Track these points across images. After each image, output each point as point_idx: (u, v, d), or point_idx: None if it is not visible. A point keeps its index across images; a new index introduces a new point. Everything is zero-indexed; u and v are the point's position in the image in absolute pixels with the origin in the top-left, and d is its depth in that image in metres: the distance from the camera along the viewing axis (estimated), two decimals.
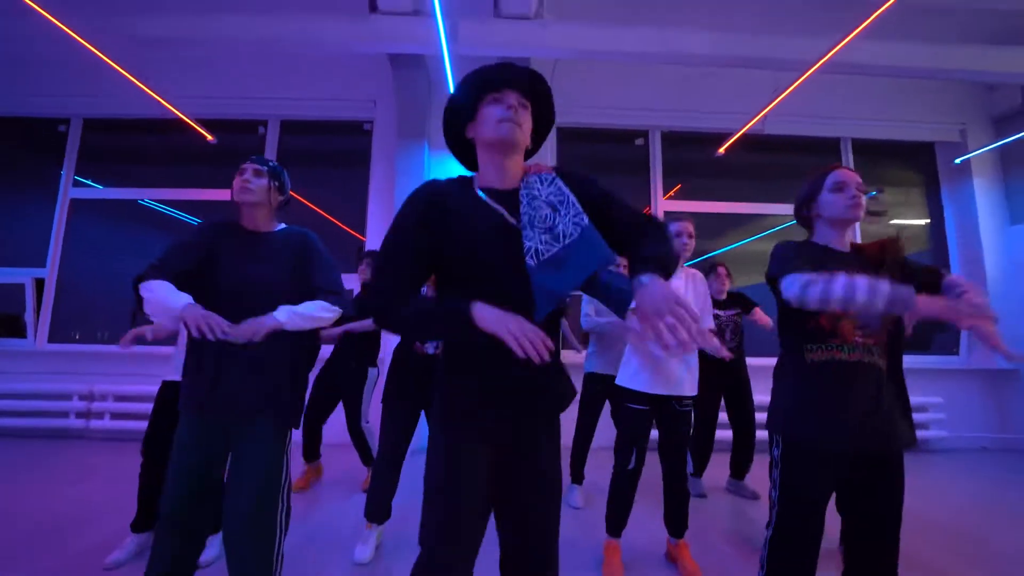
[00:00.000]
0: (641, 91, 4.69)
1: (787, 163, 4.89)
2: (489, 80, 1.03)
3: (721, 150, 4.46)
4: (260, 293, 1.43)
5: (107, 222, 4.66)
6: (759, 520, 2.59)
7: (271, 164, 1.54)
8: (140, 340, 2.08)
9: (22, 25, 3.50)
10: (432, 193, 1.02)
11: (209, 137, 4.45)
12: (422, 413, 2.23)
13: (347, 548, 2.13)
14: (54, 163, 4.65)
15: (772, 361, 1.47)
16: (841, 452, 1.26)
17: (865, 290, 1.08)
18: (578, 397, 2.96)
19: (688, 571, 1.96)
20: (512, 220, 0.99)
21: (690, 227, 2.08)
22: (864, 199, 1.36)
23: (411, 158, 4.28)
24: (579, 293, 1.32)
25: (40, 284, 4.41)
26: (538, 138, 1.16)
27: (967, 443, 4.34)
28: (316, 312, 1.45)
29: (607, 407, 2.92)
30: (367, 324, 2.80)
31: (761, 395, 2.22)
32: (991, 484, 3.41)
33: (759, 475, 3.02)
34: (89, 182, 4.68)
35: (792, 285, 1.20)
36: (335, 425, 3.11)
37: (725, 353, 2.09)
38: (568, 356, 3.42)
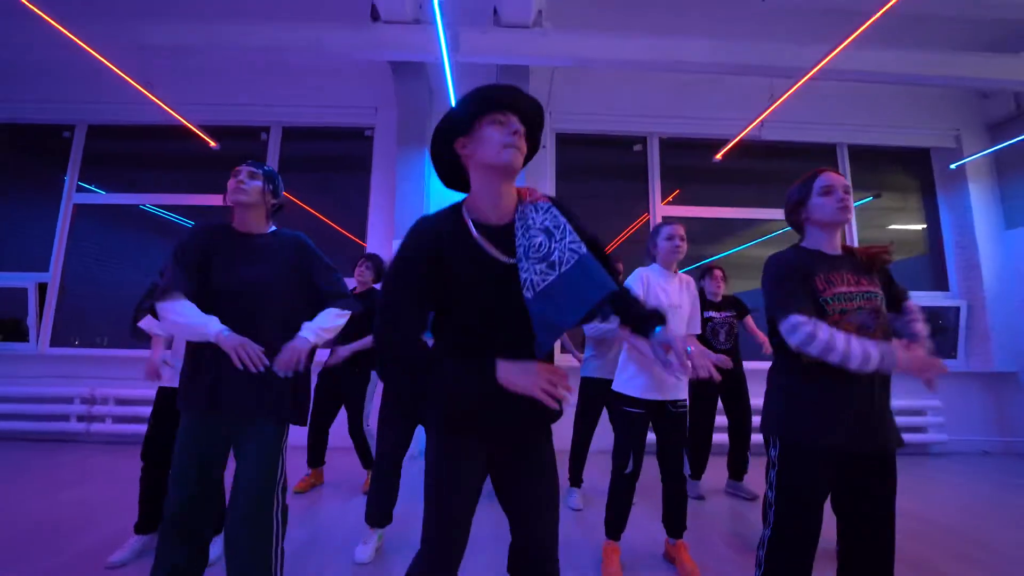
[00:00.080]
0: (639, 98, 4.75)
1: (784, 169, 4.94)
2: (493, 99, 1.01)
3: (718, 156, 4.50)
4: (258, 294, 1.45)
5: (110, 227, 4.70)
6: (757, 521, 2.60)
7: (266, 168, 1.58)
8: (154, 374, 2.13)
9: (28, 32, 3.57)
10: (429, 239, 1.00)
11: (212, 143, 4.49)
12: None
13: (348, 549, 2.15)
14: (58, 169, 4.70)
15: (767, 364, 1.49)
16: (838, 451, 1.28)
17: (857, 359, 1.19)
18: (576, 401, 2.97)
19: (687, 571, 1.97)
20: (510, 260, 0.99)
21: (682, 230, 2.11)
22: (851, 202, 1.39)
23: (411, 164, 4.32)
24: None
25: (43, 288, 4.44)
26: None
27: (967, 447, 4.35)
28: (333, 322, 1.54)
29: (606, 410, 2.93)
30: (368, 342, 2.87)
31: (757, 398, 2.25)
32: (992, 487, 3.41)
33: (758, 476, 3.04)
34: (93, 188, 4.72)
35: (792, 335, 1.27)
36: (335, 428, 3.13)
37: (716, 375, 2.08)
38: (566, 359, 3.44)
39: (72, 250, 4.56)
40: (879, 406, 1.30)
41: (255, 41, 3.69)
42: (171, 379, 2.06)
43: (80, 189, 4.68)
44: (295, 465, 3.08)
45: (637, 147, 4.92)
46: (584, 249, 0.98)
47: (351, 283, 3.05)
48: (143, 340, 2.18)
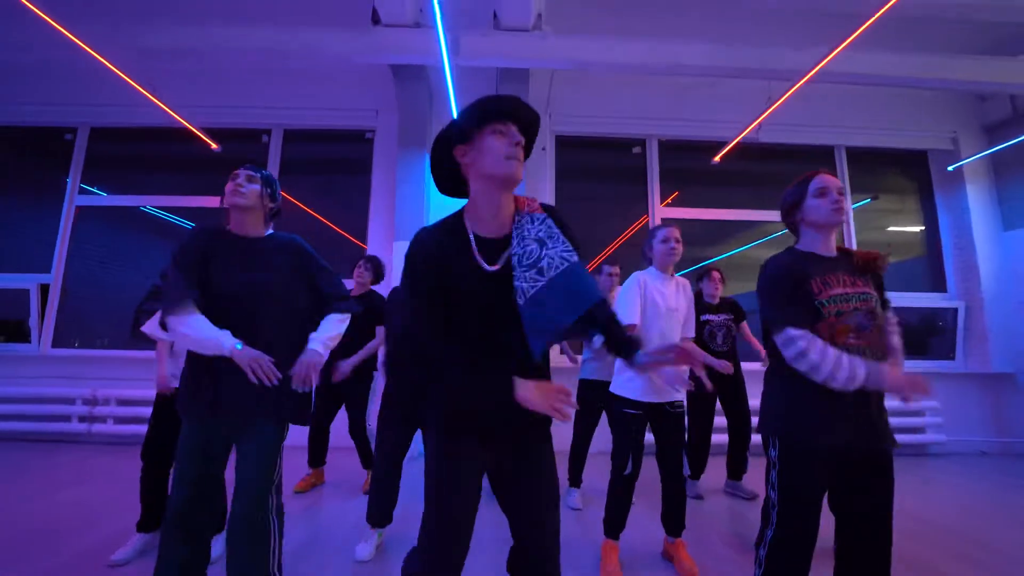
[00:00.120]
0: (638, 100, 4.78)
1: (782, 171, 4.97)
2: (495, 110, 1.03)
3: (717, 158, 4.53)
4: (257, 296, 1.46)
5: (112, 229, 4.72)
6: (756, 521, 2.59)
7: (264, 172, 1.60)
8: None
9: (31, 35, 3.59)
10: (429, 254, 1.03)
11: (214, 146, 4.52)
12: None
13: (348, 547, 2.16)
14: (61, 171, 4.72)
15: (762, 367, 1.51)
16: (837, 449, 1.29)
17: (842, 380, 1.23)
18: (576, 399, 2.99)
19: (685, 569, 1.99)
20: (502, 269, 1.03)
21: (677, 232, 2.12)
22: (845, 204, 1.41)
23: (412, 167, 4.34)
24: None
25: (45, 290, 4.46)
26: None
27: (965, 447, 4.36)
28: (337, 329, 1.59)
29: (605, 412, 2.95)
30: (373, 347, 2.93)
31: (756, 399, 2.27)
32: (991, 487, 3.43)
33: (756, 476, 3.05)
34: (95, 190, 4.75)
35: (785, 349, 1.32)
36: (335, 428, 3.15)
37: (707, 383, 2.10)
38: (562, 361, 3.45)
39: (74, 252, 4.58)
40: (875, 407, 1.32)
41: (257, 44, 3.73)
42: (173, 380, 2.08)
43: (82, 191, 4.71)
44: (296, 465, 3.11)
45: (636, 149, 4.95)
46: (575, 258, 1.01)
47: (349, 284, 3.08)
48: (145, 342, 2.20)
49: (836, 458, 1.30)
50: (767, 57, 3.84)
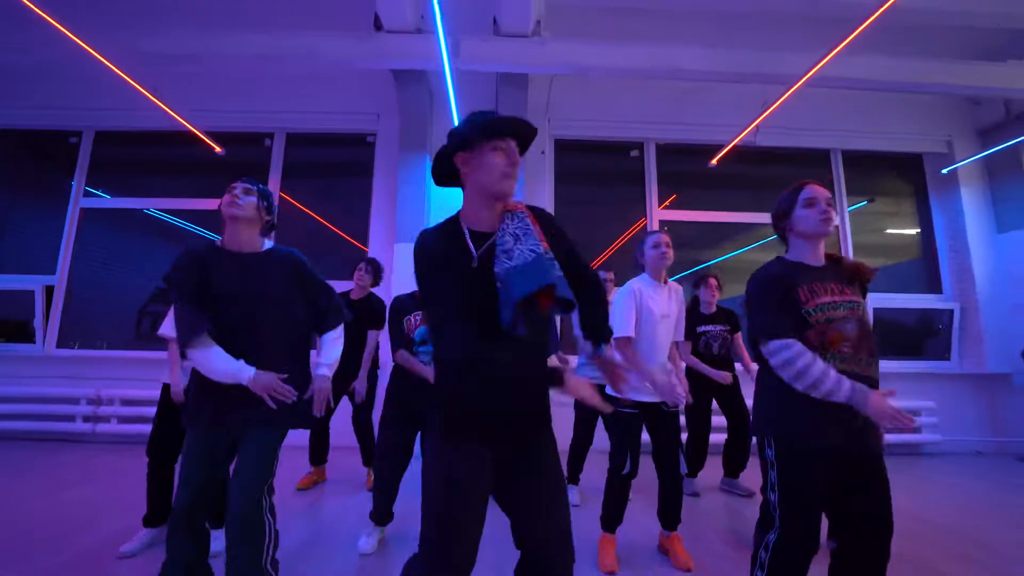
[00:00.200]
0: (636, 104, 4.84)
1: (779, 174, 5.03)
2: (498, 129, 1.11)
3: (714, 161, 4.59)
4: (258, 307, 1.52)
5: (116, 232, 4.78)
6: (753, 518, 2.63)
7: (260, 185, 1.64)
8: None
9: (38, 40, 3.66)
10: (432, 248, 1.13)
11: (217, 149, 4.59)
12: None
13: (351, 542, 2.21)
14: (66, 174, 4.78)
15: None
16: (831, 451, 1.30)
17: (823, 391, 1.26)
18: (573, 404, 3.02)
19: (680, 561, 2.03)
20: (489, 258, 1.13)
21: (667, 238, 2.15)
22: (833, 214, 1.44)
23: (413, 169, 4.40)
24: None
25: (49, 291, 4.51)
26: None
27: (961, 447, 4.40)
28: (338, 350, 1.69)
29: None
30: (372, 349, 3.04)
31: (750, 399, 2.30)
32: (987, 487, 3.46)
33: (753, 474, 3.09)
34: (100, 193, 4.81)
35: (772, 358, 1.35)
36: (336, 427, 3.18)
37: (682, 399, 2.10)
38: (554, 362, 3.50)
39: (78, 254, 4.64)
40: (862, 418, 1.30)
41: (261, 50, 3.79)
42: (184, 375, 2.13)
43: (87, 194, 4.77)
44: (297, 464, 3.15)
45: (634, 153, 5.01)
46: (541, 249, 1.08)
47: (349, 285, 3.14)
48: (155, 342, 2.24)
49: (832, 459, 1.31)
50: (764, 62, 3.90)
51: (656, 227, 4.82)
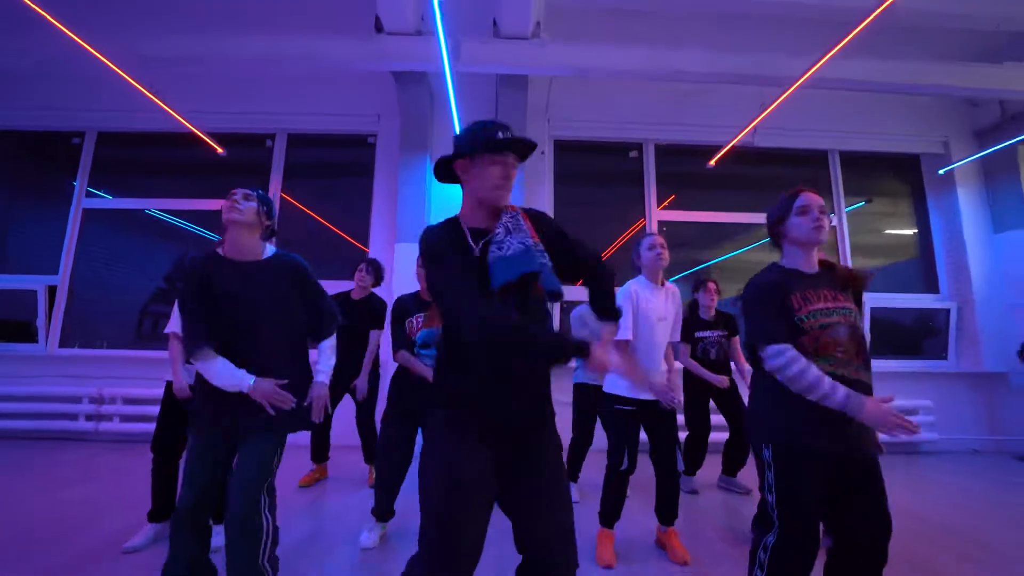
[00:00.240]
0: (635, 106, 4.87)
1: (777, 175, 5.06)
2: (500, 143, 1.15)
3: (712, 162, 4.62)
4: (258, 314, 1.56)
5: (117, 232, 4.81)
6: (750, 515, 2.66)
7: (259, 191, 1.67)
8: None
9: (40, 42, 3.69)
10: (439, 241, 1.17)
11: (219, 150, 4.61)
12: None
13: (353, 537, 2.24)
14: (68, 174, 4.82)
15: None
16: (827, 452, 1.31)
17: (817, 394, 1.28)
18: (572, 403, 3.04)
19: (677, 555, 2.06)
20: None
21: (661, 239, 2.19)
22: (827, 222, 1.45)
23: (413, 170, 4.43)
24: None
25: (52, 291, 4.54)
26: None
27: (958, 445, 4.42)
28: (333, 356, 1.75)
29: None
30: (374, 348, 3.08)
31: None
32: (984, 485, 3.48)
33: (751, 472, 3.11)
34: (102, 193, 4.84)
35: (768, 362, 1.38)
36: (337, 426, 3.22)
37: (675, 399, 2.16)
38: None
39: (81, 254, 4.67)
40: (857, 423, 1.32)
41: (262, 51, 3.82)
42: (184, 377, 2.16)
43: (89, 195, 4.80)
44: (299, 462, 3.17)
45: (633, 154, 5.04)
46: (530, 242, 1.15)
47: (349, 285, 3.18)
48: (154, 341, 2.27)
49: (828, 460, 1.32)
50: (762, 64, 3.94)
51: (655, 227, 4.85)
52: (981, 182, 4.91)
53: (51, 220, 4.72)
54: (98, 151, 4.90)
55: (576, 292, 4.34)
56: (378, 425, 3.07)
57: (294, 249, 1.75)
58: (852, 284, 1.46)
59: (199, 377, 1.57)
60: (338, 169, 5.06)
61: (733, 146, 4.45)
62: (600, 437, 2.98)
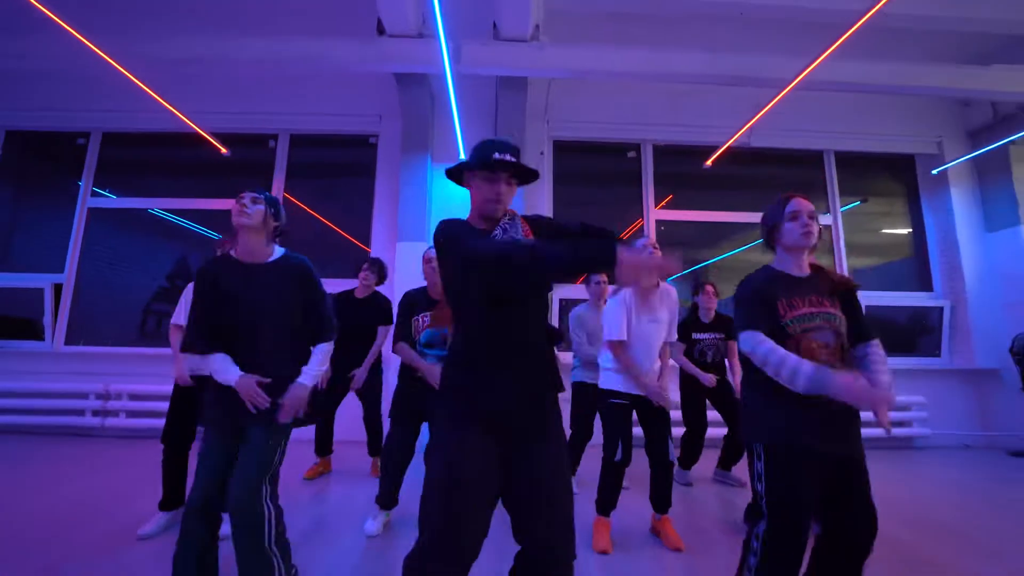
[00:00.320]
0: (633, 106, 4.94)
1: (774, 175, 5.14)
2: (490, 163, 1.24)
3: (708, 162, 4.69)
4: (261, 315, 1.62)
5: (123, 231, 4.88)
6: (743, 506, 2.74)
7: (267, 194, 1.73)
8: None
9: (47, 43, 3.77)
10: (455, 224, 1.28)
11: (223, 150, 4.68)
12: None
13: (357, 526, 2.31)
14: (73, 175, 4.88)
15: None
16: (815, 449, 1.36)
17: (786, 375, 1.34)
18: (571, 400, 3.10)
19: (671, 542, 2.14)
20: None
21: (654, 240, 2.27)
22: (816, 226, 1.49)
23: (414, 170, 4.50)
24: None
25: (58, 289, 4.61)
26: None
27: (950, 441, 4.50)
28: (325, 361, 1.74)
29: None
30: (379, 345, 3.14)
31: None
32: (975, 479, 3.54)
33: (744, 464, 3.16)
34: (107, 193, 4.91)
35: (742, 345, 1.47)
36: (340, 422, 3.30)
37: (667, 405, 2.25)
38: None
39: (86, 253, 4.74)
40: (845, 415, 1.38)
41: (266, 53, 3.89)
42: (193, 370, 2.23)
43: (94, 194, 4.86)
44: (303, 456, 3.24)
45: (631, 154, 5.11)
46: (521, 239, 1.24)
47: (351, 284, 3.25)
48: (158, 339, 2.34)
49: (826, 461, 1.37)
50: (758, 66, 4.00)
51: (653, 227, 4.92)
52: (974, 182, 4.99)
53: (57, 219, 4.79)
54: (103, 151, 4.96)
55: (574, 291, 4.44)
56: (384, 421, 3.17)
57: (296, 248, 1.80)
58: (838, 288, 1.50)
59: (211, 382, 1.65)
60: (340, 169, 5.13)
61: (729, 146, 4.52)
62: (599, 432, 3.07)
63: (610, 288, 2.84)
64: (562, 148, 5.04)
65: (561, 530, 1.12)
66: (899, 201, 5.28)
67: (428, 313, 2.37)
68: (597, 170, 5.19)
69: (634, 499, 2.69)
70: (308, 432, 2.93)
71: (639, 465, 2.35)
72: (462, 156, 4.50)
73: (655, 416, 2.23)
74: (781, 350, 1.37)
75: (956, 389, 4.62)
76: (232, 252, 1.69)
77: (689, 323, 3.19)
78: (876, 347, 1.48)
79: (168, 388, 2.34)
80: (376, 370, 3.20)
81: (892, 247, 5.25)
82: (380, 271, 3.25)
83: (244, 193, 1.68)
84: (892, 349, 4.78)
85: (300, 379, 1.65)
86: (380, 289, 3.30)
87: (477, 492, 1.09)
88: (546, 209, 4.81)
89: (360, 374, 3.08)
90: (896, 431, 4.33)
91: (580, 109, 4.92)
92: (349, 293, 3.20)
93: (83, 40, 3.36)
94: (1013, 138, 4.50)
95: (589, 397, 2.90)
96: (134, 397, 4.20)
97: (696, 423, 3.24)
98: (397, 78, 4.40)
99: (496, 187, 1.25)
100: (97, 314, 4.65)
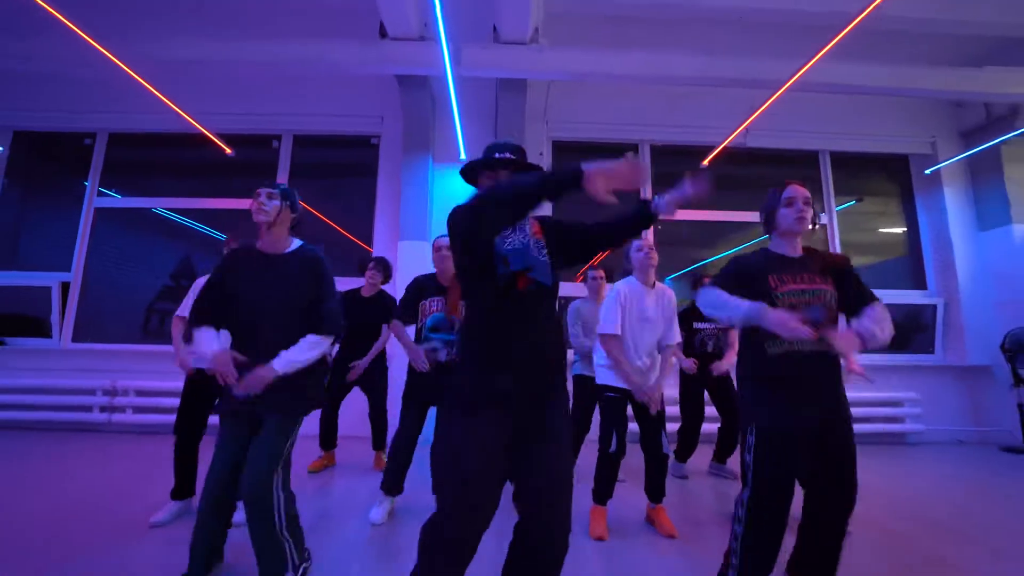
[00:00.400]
0: (631, 108, 5.01)
1: (770, 174, 5.20)
2: (490, 162, 1.37)
3: (705, 162, 4.77)
4: (270, 304, 1.69)
5: (129, 231, 4.96)
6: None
7: (281, 187, 1.79)
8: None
9: (53, 45, 3.84)
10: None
11: (227, 150, 4.76)
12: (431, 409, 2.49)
13: (362, 514, 2.39)
14: (80, 175, 4.96)
15: None
16: (802, 426, 1.47)
17: (726, 317, 1.53)
18: (572, 394, 3.18)
19: (665, 529, 2.21)
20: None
21: (649, 240, 2.34)
22: (810, 212, 1.59)
23: (416, 170, 4.57)
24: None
25: (65, 287, 4.68)
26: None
27: (943, 436, 4.57)
28: (306, 354, 1.68)
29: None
30: (383, 342, 3.21)
31: None
32: (968, 473, 3.59)
33: (738, 457, 3.22)
34: (113, 192, 4.98)
35: (700, 296, 1.62)
36: (343, 418, 3.37)
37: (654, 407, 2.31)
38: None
39: (93, 251, 4.82)
40: (830, 392, 1.51)
41: (271, 56, 3.97)
42: (196, 363, 2.31)
43: (100, 194, 4.94)
44: (307, 450, 3.32)
45: (629, 154, 5.13)
46: (530, 241, 1.34)
47: (359, 282, 3.32)
48: (162, 337, 2.41)
49: (804, 430, 1.47)
50: (755, 68, 4.07)
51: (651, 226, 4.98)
52: (967, 181, 5.06)
53: (64, 219, 4.87)
54: (109, 151, 5.04)
55: (572, 289, 4.51)
56: (389, 415, 3.25)
57: None
58: (828, 265, 1.59)
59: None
60: (342, 169, 5.21)
61: (725, 147, 4.60)
62: (595, 429, 3.14)
63: (607, 286, 2.91)
64: (561, 149, 5.12)
65: (559, 520, 1.19)
66: (893, 201, 5.35)
67: (437, 298, 2.42)
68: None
69: (630, 491, 2.77)
70: (313, 426, 3.01)
71: (636, 460, 2.42)
72: (463, 156, 4.59)
73: (649, 411, 2.30)
74: (727, 295, 1.52)
75: (949, 385, 4.69)
76: (257, 244, 1.77)
77: (690, 313, 3.26)
78: (874, 306, 1.54)
79: (174, 384, 2.43)
80: (382, 366, 3.28)
81: (887, 246, 5.32)
82: (386, 270, 3.32)
83: (260, 190, 1.75)
84: (887, 346, 4.88)
85: (273, 361, 1.62)
86: (384, 288, 3.37)
87: (490, 464, 1.17)
88: (545, 208, 4.87)
89: (360, 365, 3.13)
90: (890, 427, 4.41)
91: (579, 110, 5.00)
92: (355, 292, 3.27)
93: (90, 41, 3.43)
94: (1005, 138, 4.58)
95: (589, 390, 2.97)
96: (141, 393, 4.27)
97: (694, 416, 3.32)
98: (399, 80, 4.48)
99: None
100: (104, 312, 4.73)
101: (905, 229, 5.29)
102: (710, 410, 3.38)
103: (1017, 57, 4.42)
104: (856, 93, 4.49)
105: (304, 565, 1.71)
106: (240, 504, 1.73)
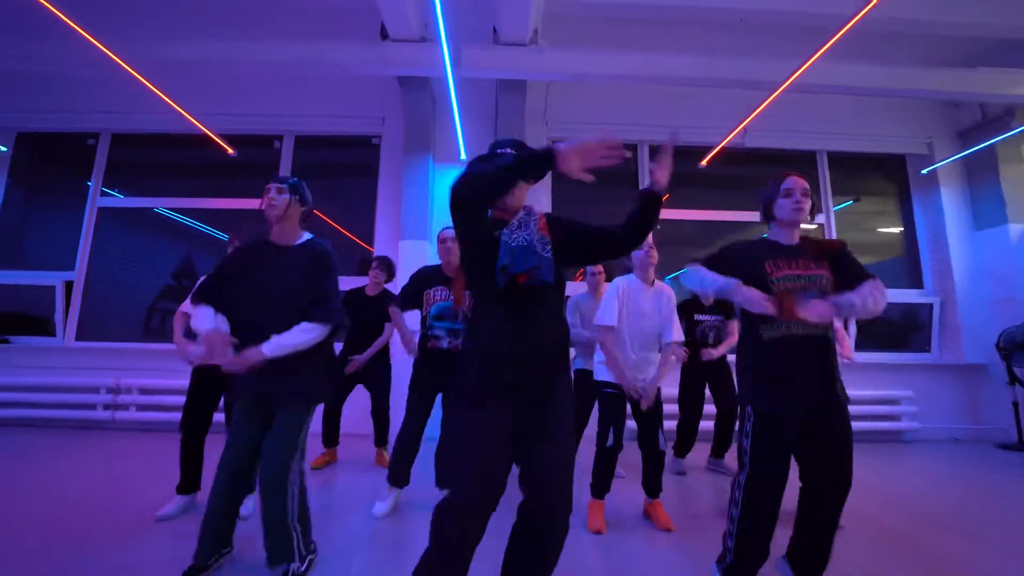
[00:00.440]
0: (630, 108, 5.05)
1: (767, 174, 5.20)
2: (488, 157, 1.42)
3: (703, 162, 4.80)
4: (275, 295, 1.72)
5: (131, 231, 5.00)
6: None
7: (290, 180, 1.82)
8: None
9: (55, 45, 3.87)
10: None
11: (230, 151, 4.79)
12: (438, 397, 2.52)
13: (364, 509, 2.42)
14: (83, 175, 5.00)
15: None
16: (797, 408, 1.52)
17: (710, 290, 1.64)
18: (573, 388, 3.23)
19: (662, 523, 2.25)
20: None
21: (649, 239, 2.35)
22: (807, 203, 1.63)
23: (416, 170, 4.61)
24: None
25: (69, 286, 4.72)
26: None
27: (939, 434, 4.61)
28: (297, 338, 1.67)
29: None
30: (385, 338, 3.24)
31: None
32: (964, 471, 3.61)
33: (735, 454, 3.25)
34: (115, 193, 5.02)
35: (685, 274, 1.73)
36: (345, 416, 3.41)
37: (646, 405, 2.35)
38: None
39: (96, 251, 4.85)
40: (823, 374, 1.55)
41: (273, 57, 4.01)
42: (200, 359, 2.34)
43: (103, 194, 4.98)
44: (310, 447, 3.35)
45: (628, 154, 5.19)
46: (534, 239, 1.35)
47: (364, 280, 3.35)
48: (164, 336, 2.44)
49: (798, 414, 1.53)
50: (754, 69, 4.10)
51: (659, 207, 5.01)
52: (963, 181, 5.10)
53: (67, 219, 4.91)
54: (112, 152, 5.08)
55: (572, 288, 4.55)
56: (392, 412, 3.28)
57: None
58: (824, 250, 1.64)
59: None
60: (344, 169, 5.24)
61: (724, 147, 4.63)
62: (592, 426, 3.17)
63: (606, 284, 2.95)
64: None
65: (560, 503, 1.24)
66: (890, 200, 5.39)
67: (441, 287, 2.44)
68: (595, 170, 5.27)
69: (628, 487, 2.81)
70: (316, 424, 3.05)
71: (635, 455, 2.46)
72: (463, 157, 4.62)
73: (640, 407, 2.33)
74: (706, 271, 1.62)
75: (946, 384, 4.73)
76: (270, 237, 1.82)
77: (691, 305, 3.29)
78: (868, 282, 1.56)
79: (178, 382, 2.47)
80: (385, 363, 3.31)
81: (884, 246, 5.36)
82: (389, 269, 3.36)
83: (270, 185, 1.79)
84: (884, 345, 4.96)
85: (262, 344, 1.62)
86: (388, 287, 3.40)
87: (495, 452, 1.22)
88: (546, 208, 4.92)
89: (359, 360, 3.16)
90: (887, 425, 4.44)
91: (578, 111, 5.03)
92: (360, 290, 3.31)
93: (93, 41, 3.45)
94: (1001, 138, 4.62)
95: (588, 384, 3.01)
96: (144, 391, 4.31)
97: (692, 410, 3.35)
98: (399, 81, 4.51)
99: None
100: (107, 311, 4.77)
101: (902, 229, 5.33)
102: (709, 407, 3.42)
103: (1012, 58, 4.46)
104: (853, 94, 4.53)
105: (310, 556, 1.75)
106: (246, 498, 1.76)
